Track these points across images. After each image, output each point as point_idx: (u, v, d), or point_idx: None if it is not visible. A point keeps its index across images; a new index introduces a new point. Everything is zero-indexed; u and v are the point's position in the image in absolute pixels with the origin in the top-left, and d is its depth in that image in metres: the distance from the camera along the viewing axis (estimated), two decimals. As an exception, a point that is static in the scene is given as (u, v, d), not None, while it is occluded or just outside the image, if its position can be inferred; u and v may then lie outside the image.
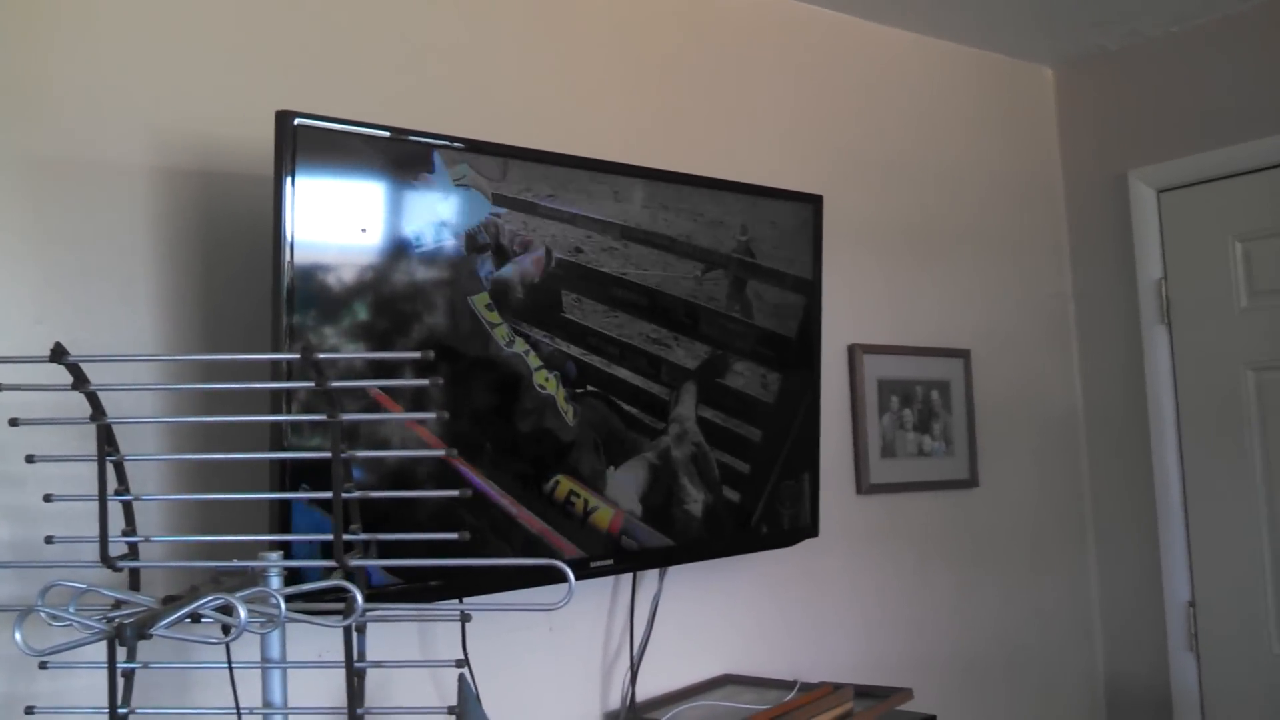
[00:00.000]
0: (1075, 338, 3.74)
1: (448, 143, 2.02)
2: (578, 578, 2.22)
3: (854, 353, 3.09)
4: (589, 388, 2.22)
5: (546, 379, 2.16)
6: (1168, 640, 3.49)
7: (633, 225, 2.30)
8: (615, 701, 2.52)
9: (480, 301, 2.06)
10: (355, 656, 1.60)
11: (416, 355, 1.45)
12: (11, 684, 1.82)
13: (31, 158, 1.92)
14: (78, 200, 1.96)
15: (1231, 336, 3.37)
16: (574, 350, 2.20)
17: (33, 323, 1.91)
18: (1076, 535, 3.66)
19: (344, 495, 1.54)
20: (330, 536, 1.53)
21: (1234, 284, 3.37)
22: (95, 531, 1.55)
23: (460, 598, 2.06)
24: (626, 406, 2.28)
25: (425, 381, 1.45)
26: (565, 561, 2.13)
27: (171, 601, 1.47)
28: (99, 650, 1.57)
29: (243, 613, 1.34)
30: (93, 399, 1.55)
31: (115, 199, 1.99)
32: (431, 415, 1.66)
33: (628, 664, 2.55)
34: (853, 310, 3.13)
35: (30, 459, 1.60)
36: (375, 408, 1.91)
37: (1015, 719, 3.40)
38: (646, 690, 2.57)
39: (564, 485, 2.16)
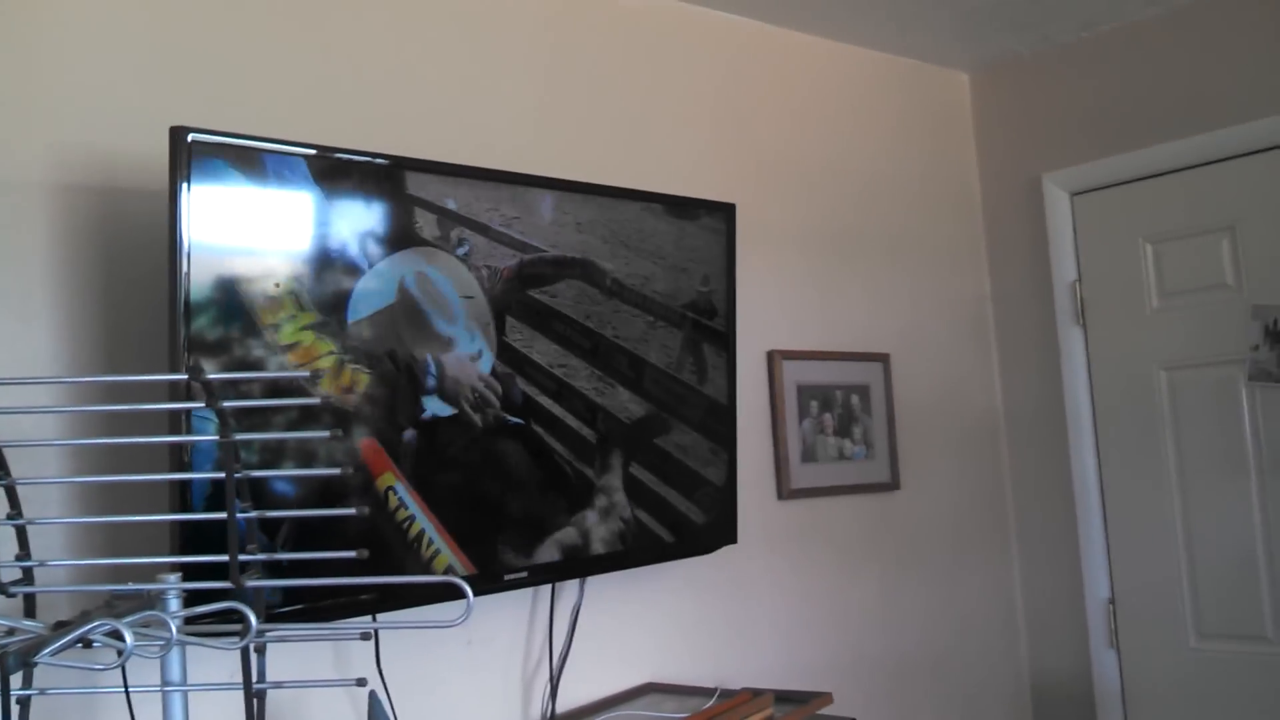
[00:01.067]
0: (994, 340, 3.80)
1: (332, 154, 2.01)
2: (491, 590, 2.22)
3: (773, 358, 3.11)
4: (514, 418, 2.22)
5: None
6: (1089, 637, 3.55)
7: (553, 250, 2.31)
8: (536, 714, 2.52)
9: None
10: (256, 677, 1.59)
11: (305, 374, 1.44)
12: (-94, 714, 1.78)
13: (-78, 177, 1.89)
14: (-29, 220, 1.93)
15: (1144, 337, 3.43)
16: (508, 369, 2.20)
17: (-74, 346, 1.87)
18: (998, 535, 3.71)
19: (239, 515, 1.53)
20: (226, 558, 1.52)
21: (1146, 285, 3.44)
22: (-7, 556, 1.54)
23: (373, 614, 2.05)
24: (549, 439, 2.28)
25: (315, 400, 1.45)
26: (471, 574, 2.14)
27: (62, 627, 1.45)
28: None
29: (129, 638, 1.33)
30: (-21, 423, 1.53)
31: (11, 216, 1.96)
32: (324, 434, 1.65)
33: (548, 676, 2.54)
34: (771, 316, 3.15)
35: (-82, 485, 1.57)
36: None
37: (942, 719, 3.43)
38: (568, 701, 2.57)
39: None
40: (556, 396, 2.31)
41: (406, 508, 2.04)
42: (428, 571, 2.07)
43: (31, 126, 2.00)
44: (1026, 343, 3.71)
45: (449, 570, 2.09)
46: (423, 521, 2.07)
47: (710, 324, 2.61)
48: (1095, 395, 3.55)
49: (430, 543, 2.08)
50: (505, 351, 2.23)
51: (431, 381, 2.11)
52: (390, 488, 2.02)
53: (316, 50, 2.37)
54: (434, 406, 2.11)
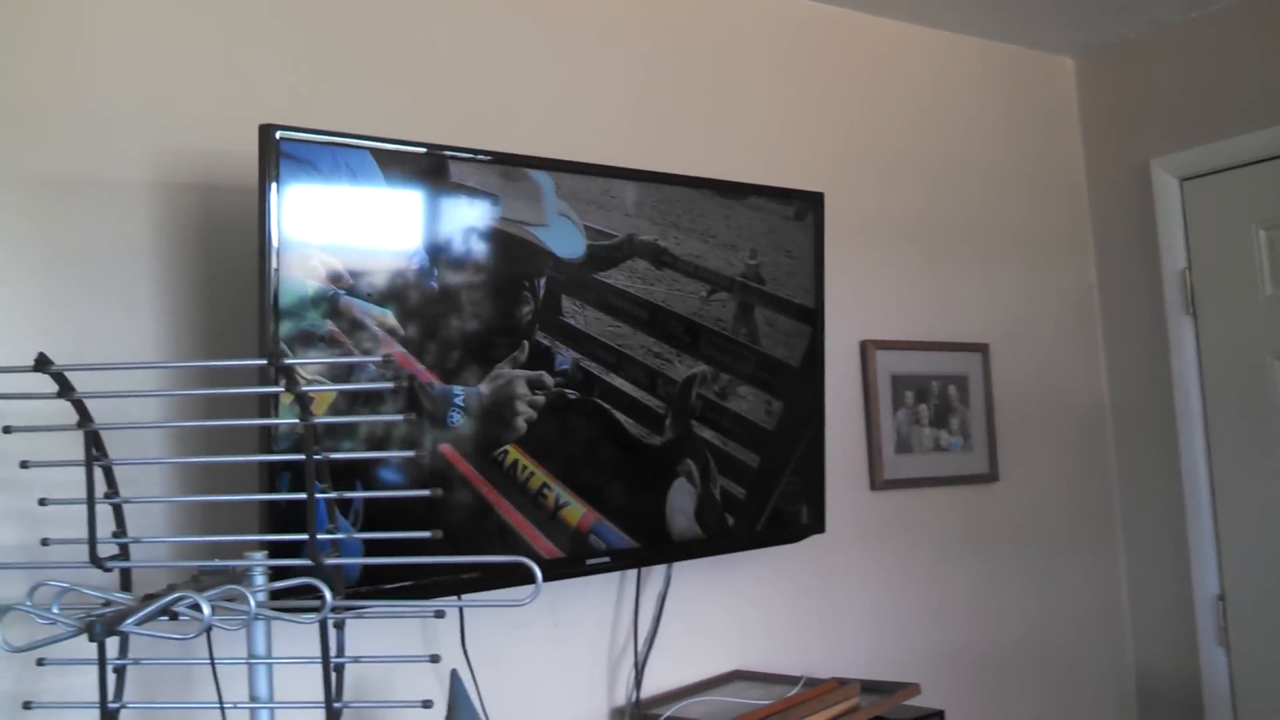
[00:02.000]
0: (1100, 329, 3.71)
1: (431, 151, 2.06)
2: (571, 575, 2.26)
3: (866, 349, 3.10)
4: (582, 393, 2.26)
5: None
6: (1198, 635, 3.44)
7: (641, 238, 2.33)
8: (621, 698, 2.56)
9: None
10: (334, 652, 1.66)
11: (378, 359, 1.49)
12: (18, 681, 1.90)
13: (34, 175, 2.00)
14: (80, 215, 2.03)
15: (1257, 325, 3.32)
16: (573, 355, 2.24)
17: (38, 334, 1.98)
18: (1103, 529, 3.62)
19: (317, 496, 1.59)
20: (306, 536, 1.58)
21: (1259, 272, 3.32)
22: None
23: (459, 594, 2.10)
24: (621, 415, 2.31)
25: (389, 385, 1.50)
26: (549, 560, 2.18)
27: (149, 600, 1.53)
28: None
29: (206, 610, 1.39)
30: (78, 406, 1.61)
31: (116, 213, 2.07)
32: (399, 418, 1.70)
33: (634, 660, 2.57)
34: (864, 306, 3.13)
35: (25, 465, 1.67)
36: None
37: (1041, 715, 3.37)
38: (654, 687, 2.60)
39: (537, 478, 2.18)
40: (650, 388, 2.34)
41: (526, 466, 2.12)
42: (556, 523, 2.14)
43: (135, 128, 2.10)
44: (1134, 332, 3.62)
45: (581, 521, 2.16)
46: (544, 476, 2.15)
47: (806, 314, 2.61)
48: (1205, 386, 3.44)
49: (556, 495, 2.17)
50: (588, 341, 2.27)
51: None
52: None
53: (403, 50, 2.43)
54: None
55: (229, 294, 2.16)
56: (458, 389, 2.03)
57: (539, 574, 1.55)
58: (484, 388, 2.07)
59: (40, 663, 1.65)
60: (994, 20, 3.42)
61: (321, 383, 1.83)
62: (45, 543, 1.71)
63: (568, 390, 2.23)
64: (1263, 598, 3.30)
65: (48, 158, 2.02)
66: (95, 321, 2.04)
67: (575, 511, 2.24)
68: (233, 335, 2.15)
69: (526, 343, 2.16)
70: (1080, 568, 3.54)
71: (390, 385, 1.52)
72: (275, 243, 1.86)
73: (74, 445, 1.93)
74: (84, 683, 1.91)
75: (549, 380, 2.19)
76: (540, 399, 2.17)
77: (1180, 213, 3.51)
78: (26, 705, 1.68)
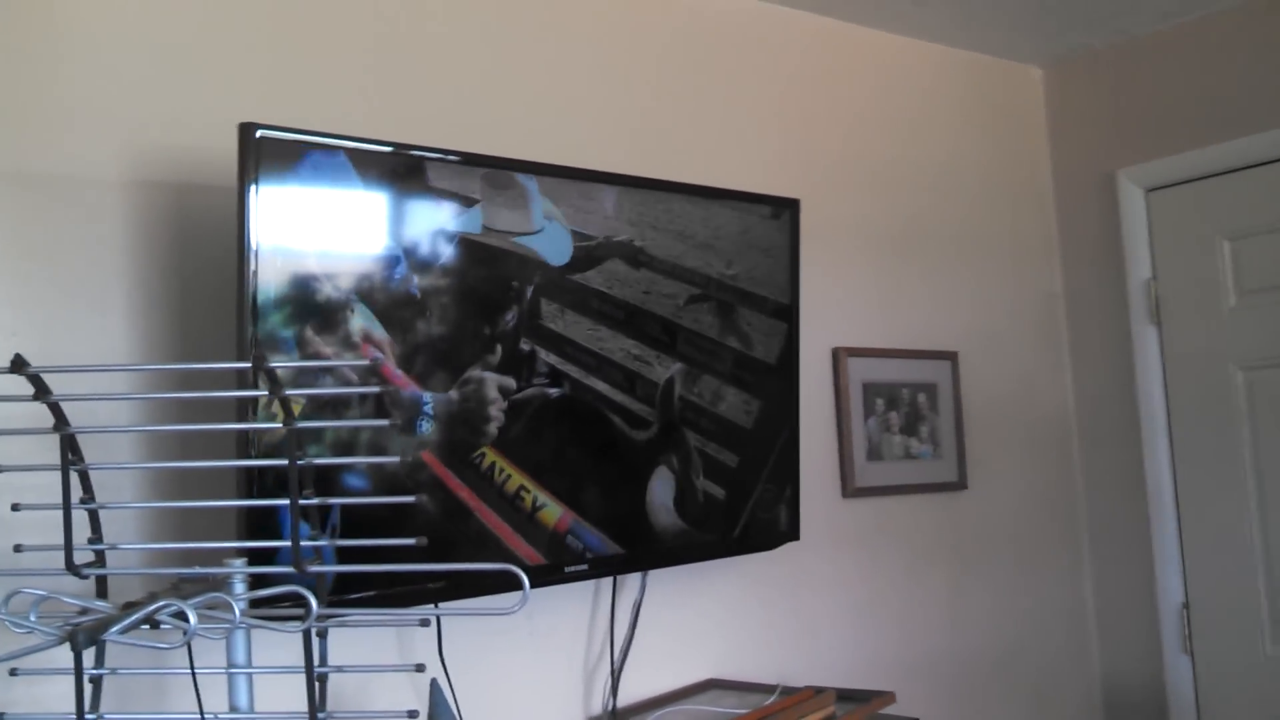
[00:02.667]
0: (1065, 338, 3.74)
1: (412, 152, 2.04)
2: (550, 582, 2.24)
3: (838, 356, 3.10)
4: (560, 395, 2.24)
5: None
6: (1162, 642, 3.48)
7: (617, 239, 2.32)
8: (597, 706, 2.54)
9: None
10: (316, 661, 1.63)
11: (365, 363, 1.47)
12: (-14, 691, 1.85)
13: (5, 172, 1.95)
14: (50, 213, 1.99)
15: (1221, 335, 3.36)
16: (552, 358, 2.22)
17: (7, 335, 1.93)
18: (1069, 537, 3.65)
19: (300, 502, 1.56)
20: (288, 543, 1.55)
21: (1223, 283, 3.36)
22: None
23: (435, 601, 2.07)
24: (600, 416, 2.30)
25: (376, 389, 1.47)
26: (530, 566, 2.16)
27: (130, 608, 1.50)
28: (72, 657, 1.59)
29: (192, 618, 1.36)
30: (55, 409, 1.57)
31: (88, 212, 2.02)
32: (384, 423, 1.68)
33: (610, 668, 2.56)
34: (837, 314, 3.14)
35: (-2, 469, 1.63)
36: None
37: (1009, 721, 3.40)
38: (630, 695, 2.59)
39: (514, 480, 2.16)
40: (628, 389, 2.33)
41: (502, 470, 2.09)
42: (533, 525, 2.12)
43: (108, 125, 2.06)
44: (1099, 341, 3.65)
45: (559, 522, 2.14)
46: (520, 478, 2.13)
47: (781, 315, 2.61)
48: (1170, 395, 3.48)
49: (533, 497, 2.14)
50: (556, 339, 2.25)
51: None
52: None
53: (385, 49, 2.41)
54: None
55: (202, 295, 2.12)
56: (427, 396, 2.00)
57: (526, 581, 1.53)
58: (454, 393, 2.05)
59: (13, 673, 1.61)
60: (964, 29, 3.44)
61: (304, 386, 1.80)
62: (19, 549, 1.67)
63: (548, 391, 2.21)
64: (1226, 606, 3.34)
65: (17, 154, 1.97)
66: (64, 322, 1.99)
67: (552, 513, 2.22)
68: (206, 338, 2.11)
69: (499, 346, 2.13)
70: (1047, 576, 3.57)
71: (376, 389, 1.49)
72: (254, 244, 1.83)
73: (42, 449, 1.88)
74: (54, 693, 1.87)
75: (515, 384, 2.16)
76: (512, 400, 2.15)
77: (1146, 223, 3.54)
78: (-2, 716, 1.63)
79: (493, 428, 2.13)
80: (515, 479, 2.16)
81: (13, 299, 1.94)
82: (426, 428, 2.01)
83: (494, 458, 2.13)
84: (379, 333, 1.94)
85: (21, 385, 1.54)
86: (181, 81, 2.15)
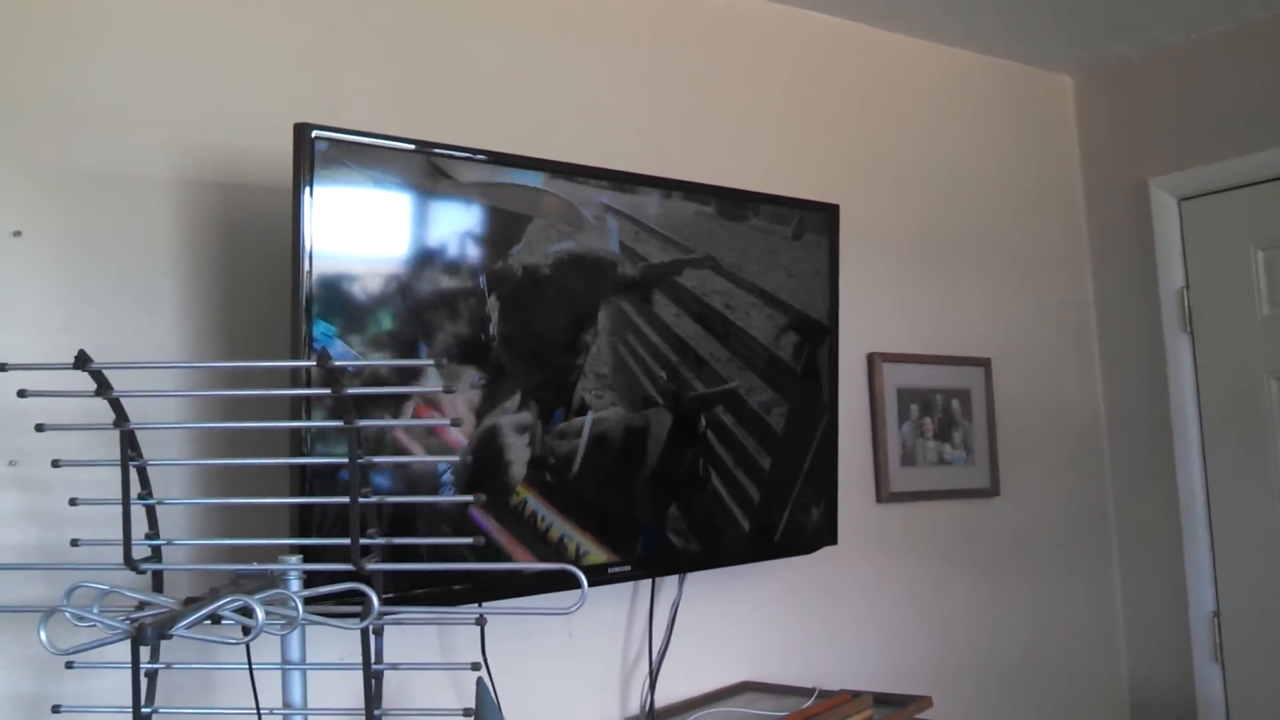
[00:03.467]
0: (1097, 346, 3.74)
1: (468, 154, 2.05)
2: (595, 583, 2.25)
3: (873, 361, 3.10)
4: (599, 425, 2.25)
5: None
6: (1192, 651, 3.47)
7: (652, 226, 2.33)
8: (634, 707, 2.54)
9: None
10: (373, 659, 1.63)
11: (429, 363, 1.47)
12: (40, 684, 1.86)
13: (56, 170, 1.96)
14: (103, 211, 2.00)
15: (1254, 345, 3.36)
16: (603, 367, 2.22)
17: (58, 331, 1.94)
18: (1099, 544, 3.65)
19: (360, 500, 1.57)
20: (348, 541, 1.56)
21: (1256, 292, 3.36)
22: (119, 534, 1.59)
23: (479, 601, 2.08)
24: (642, 437, 2.30)
25: (439, 388, 1.48)
26: (581, 566, 2.16)
27: (192, 603, 1.50)
28: (123, 651, 1.60)
29: (260, 614, 1.37)
30: (116, 405, 1.58)
31: (139, 210, 2.03)
32: (445, 422, 1.68)
33: (647, 670, 2.56)
34: (872, 318, 3.14)
35: (56, 464, 1.64)
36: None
37: (1038, 728, 3.39)
38: (665, 697, 2.59)
39: (555, 530, 2.16)
40: (668, 396, 2.33)
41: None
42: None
43: (160, 123, 2.07)
44: (1131, 350, 3.65)
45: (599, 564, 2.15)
46: (562, 526, 2.12)
47: (813, 325, 2.61)
48: (1202, 404, 3.47)
49: (576, 544, 2.14)
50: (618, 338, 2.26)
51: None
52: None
53: (425, 55, 2.42)
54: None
55: (251, 294, 2.13)
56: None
57: (584, 580, 1.54)
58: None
59: (69, 665, 1.62)
60: (996, 36, 3.44)
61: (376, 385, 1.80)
62: (75, 543, 1.68)
63: (585, 423, 2.22)
64: (1258, 615, 3.33)
65: (71, 151, 1.98)
66: (115, 319, 2.00)
67: (597, 557, 2.23)
68: (254, 336, 2.12)
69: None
70: (1077, 583, 3.56)
71: (440, 388, 1.50)
72: (309, 245, 1.84)
73: (94, 445, 1.89)
74: (103, 686, 1.87)
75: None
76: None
77: (1179, 232, 3.54)
78: (55, 709, 1.64)
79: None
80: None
81: (64, 295, 1.95)
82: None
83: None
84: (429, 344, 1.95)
85: (73, 381, 1.55)
86: (233, 82, 2.16)
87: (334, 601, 1.66)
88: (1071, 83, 3.83)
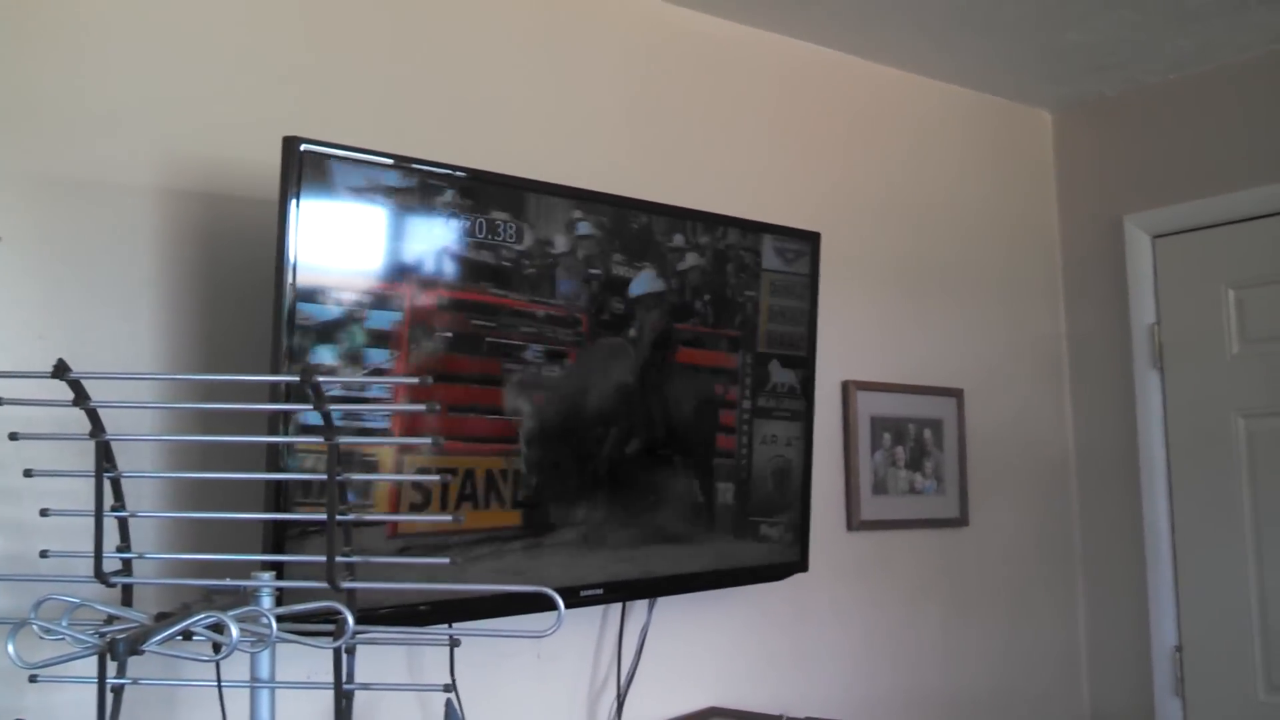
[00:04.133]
0: (1068, 380, 3.76)
1: (451, 171, 2.05)
2: (567, 606, 2.23)
3: (848, 389, 3.11)
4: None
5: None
6: (1154, 684, 3.49)
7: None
8: (601, 731, 2.53)
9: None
10: (345, 678, 1.62)
11: (415, 380, 1.46)
12: (1, 697, 1.83)
13: (37, 175, 1.94)
14: (82, 218, 1.98)
15: (1223, 383, 3.39)
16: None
17: (34, 338, 1.92)
18: (1065, 577, 3.67)
19: (338, 518, 1.55)
20: (323, 558, 1.54)
21: (1226, 330, 3.40)
22: (89, 546, 1.57)
23: (449, 622, 2.07)
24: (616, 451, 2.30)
25: (422, 406, 1.47)
26: (554, 589, 2.15)
27: (164, 618, 1.48)
28: (87, 665, 1.58)
29: (235, 631, 1.35)
30: (93, 416, 1.56)
31: (119, 218, 2.02)
32: (426, 440, 1.67)
33: (614, 694, 2.55)
34: (846, 346, 3.15)
35: (29, 473, 1.62)
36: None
37: (1000, 759, 3.40)
38: (632, 720, 2.58)
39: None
40: (644, 423, 2.33)
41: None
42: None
43: (142, 132, 2.06)
44: (1102, 384, 3.68)
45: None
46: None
47: (788, 353, 2.62)
48: (1170, 440, 3.51)
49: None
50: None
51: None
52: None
53: (413, 72, 2.41)
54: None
55: (229, 306, 2.11)
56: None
57: (561, 603, 1.53)
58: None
59: (33, 679, 1.59)
60: (978, 71, 3.47)
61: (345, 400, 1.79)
62: (45, 554, 1.65)
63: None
64: (1220, 650, 3.36)
65: (51, 158, 1.97)
66: (93, 327, 1.99)
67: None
68: (233, 348, 2.11)
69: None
70: (1042, 615, 3.58)
71: (423, 407, 1.49)
72: (293, 258, 1.83)
73: (63, 455, 1.86)
74: (65, 700, 1.85)
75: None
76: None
77: (1151, 269, 3.58)
78: (19, 723, 1.62)
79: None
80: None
81: (42, 302, 1.93)
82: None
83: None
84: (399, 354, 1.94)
85: (47, 389, 1.53)
86: (218, 92, 2.15)
87: (305, 619, 1.65)
88: (1051, 118, 3.87)
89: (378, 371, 1.91)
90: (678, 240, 2.41)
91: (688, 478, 2.42)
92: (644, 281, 2.35)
